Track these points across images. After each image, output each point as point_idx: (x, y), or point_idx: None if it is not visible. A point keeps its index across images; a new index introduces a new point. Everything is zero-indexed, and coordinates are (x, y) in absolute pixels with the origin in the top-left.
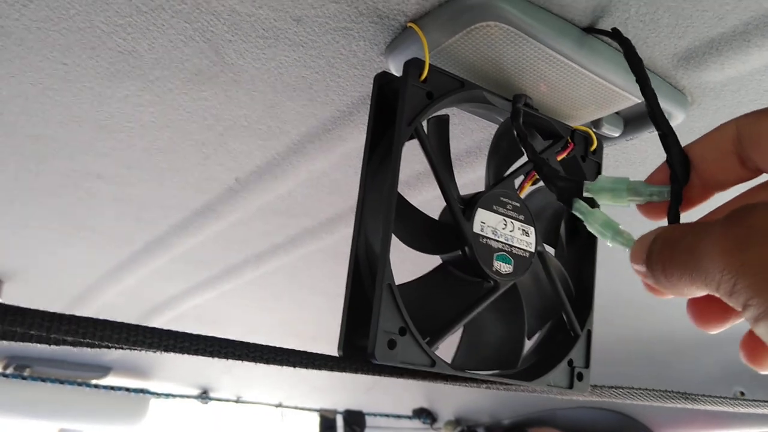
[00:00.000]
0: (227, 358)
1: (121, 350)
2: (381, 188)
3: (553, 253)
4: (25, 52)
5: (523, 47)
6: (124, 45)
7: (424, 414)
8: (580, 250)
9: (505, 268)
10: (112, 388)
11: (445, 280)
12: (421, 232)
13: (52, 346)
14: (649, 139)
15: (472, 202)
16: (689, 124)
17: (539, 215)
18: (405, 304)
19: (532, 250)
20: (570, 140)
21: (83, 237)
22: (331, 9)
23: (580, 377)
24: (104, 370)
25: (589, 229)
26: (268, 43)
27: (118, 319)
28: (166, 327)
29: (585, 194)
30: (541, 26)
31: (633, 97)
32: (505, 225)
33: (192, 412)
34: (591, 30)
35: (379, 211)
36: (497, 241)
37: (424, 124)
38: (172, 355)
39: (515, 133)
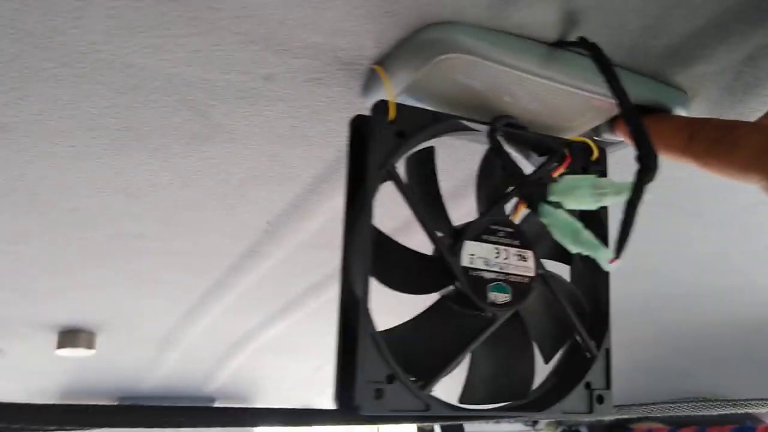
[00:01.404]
0: (201, 427)
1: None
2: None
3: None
4: (34, 142)
5: (491, 72)
6: (118, 123)
7: None
8: (592, 264)
9: (502, 297)
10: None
11: (444, 315)
12: (409, 273)
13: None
14: None
15: (459, 235)
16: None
17: (543, 235)
18: (400, 346)
19: (532, 274)
20: (568, 153)
21: (151, 289)
22: (295, 64)
23: (601, 399)
24: (209, 400)
25: (552, 232)
26: (249, 102)
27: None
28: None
29: (551, 198)
30: (503, 50)
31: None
32: (498, 253)
33: None
34: (560, 44)
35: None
36: (490, 271)
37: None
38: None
39: (491, 149)
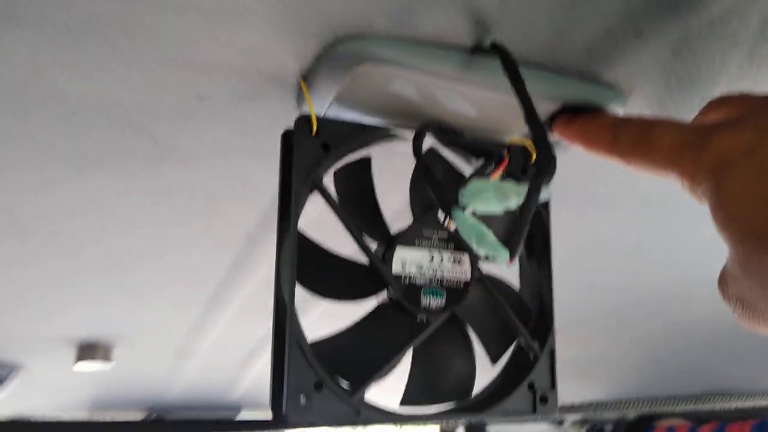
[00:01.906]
0: None
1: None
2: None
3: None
4: (3, 169)
5: (414, 80)
6: (72, 149)
7: None
8: (537, 262)
9: (436, 302)
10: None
11: (380, 321)
12: (339, 280)
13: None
14: None
15: (392, 242)
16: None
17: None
18: (334, 353)
19: (468, 278)
20: (506, 156)
21: (156, 301)
22: (224, 84)
23: (545, 399)
24: (235, 408)
25: (461, 234)
26: (191, 123)
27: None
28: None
29: (462, 202)
30: (418, 58)
31: (545, 101)
32: (432, 258)
33: None
34: (476, 50)
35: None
36: (423, 276)
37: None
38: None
39: (413, 154)
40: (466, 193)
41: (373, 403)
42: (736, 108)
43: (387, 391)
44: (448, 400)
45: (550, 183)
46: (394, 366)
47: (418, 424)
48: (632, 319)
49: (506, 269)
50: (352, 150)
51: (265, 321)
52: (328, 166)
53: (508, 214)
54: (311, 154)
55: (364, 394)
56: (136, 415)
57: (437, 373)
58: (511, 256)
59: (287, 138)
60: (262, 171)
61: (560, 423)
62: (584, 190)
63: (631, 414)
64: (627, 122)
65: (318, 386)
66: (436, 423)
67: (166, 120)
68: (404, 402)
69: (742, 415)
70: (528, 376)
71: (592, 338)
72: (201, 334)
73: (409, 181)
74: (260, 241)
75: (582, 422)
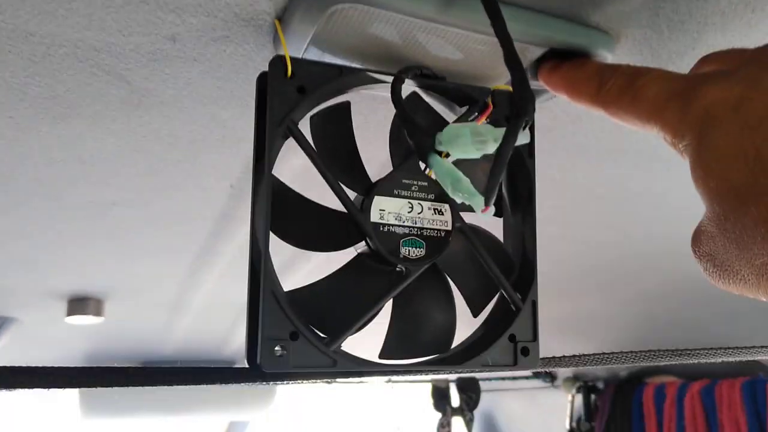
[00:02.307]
0: (117, 386)
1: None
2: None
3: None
4: None
5: (390, 22)
6: (43, 91)
7: (542, 373)
8: (521, 214)
9: (416, 252)
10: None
11: (360, 272)
12: (315, 229)
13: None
14: None
15: (370, 191)
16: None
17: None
18: (312, 303)
19: (448, 228)
20: (490, 102)
21: (146, 254)
22: (195, 23)
23: (526, 352)
24: (229, 362)
25: (438, 180)
26: (164, 65)
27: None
28: None
29: (438, 147)
30: None
31: (536, 48)
32: (412, 208)
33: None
34: None
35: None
36: (403, 226)
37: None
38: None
39: (392, 100)
40: (442, 138)
41: (349, 354)
42: (727, 61)
43: (366, 344)
44: (427, 353)
45: (528, 126)
46: (372, 317)
47: (396, 375)
48: (625, 275)
49: (482, 216)
50: (330, 94)
51: None
52: (305, 111)
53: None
54: (286, 98)
55: (341, 344)
56: None
57: (416, 324)
58: (486, 202)
59: (261, 81)
60: (241, 117)
61: (552, 380)
62: (575, 141)
63: (620, 370)
64: (614, 70)
65: (294, 336)
66: (414, 375)
67: (139, 62)
68: (383, 354)
69: (733, 372)
70: (509, 328)
71: (585, 295)
72: (193, 287)
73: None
74: (246, 191)
75: (574, 379)
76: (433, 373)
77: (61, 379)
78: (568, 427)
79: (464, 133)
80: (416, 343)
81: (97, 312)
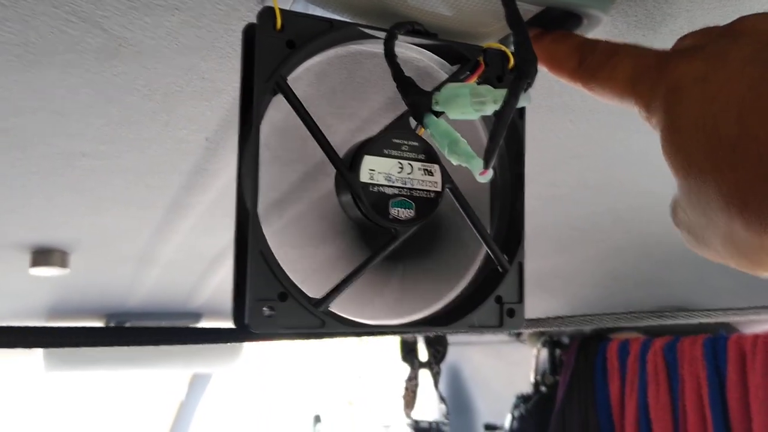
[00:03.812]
0: (104, 346)
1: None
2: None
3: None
4: None
5: None
6: (15, 38)
7: None
8: (509, 175)
9: (405, 213)
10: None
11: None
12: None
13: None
14: None
15: (360, 150)
16: (616, 24)
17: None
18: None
19: (438, 189)
20: (482, 61)
21: (113, 207)
22: None
23: (511, 313)
24: (196, 316)
25: (436, 142)
26: (143, 12)
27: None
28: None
29: (435, 108)
30: None
31: (527, 4)
32: (402, 168)
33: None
34: None
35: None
36: (392, 186)
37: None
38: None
39: (385, 57)
40: (440, 98)
41: (338, 314)
42: (700, 38)
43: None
44: (414, 313)
45: (529, 87)
46: (359, 277)
47: (383, 335)
48: (594, 233)
49: (480, 180)
50: (320, 49)
51: (228, 228)
52: (294, 66)
53: (484, 121)
54: (275, 52)
55: (329, 305)
56: (94, 323)
57: (404, 285)
58: (486, 165)
59: (249, 33)
60: (221, 69)
61: (518, 334)
62: (561, 101)
63: (588, 328)
64: (593, 47)
65: (282, 296)
66: (401, 335)
67: (118, 9)
68: (368, 315)
69: (695, 329)
70: (496, 290)
71: (553, 252)
72: (162, 240)
73: (378, 86)
74: (222, 144)
75: (539, 334)
76: (420, 334)
77: (25, 339)
78: (532, 380)
79: (463, 93)
80: (403, 303)
81: (62, 264)
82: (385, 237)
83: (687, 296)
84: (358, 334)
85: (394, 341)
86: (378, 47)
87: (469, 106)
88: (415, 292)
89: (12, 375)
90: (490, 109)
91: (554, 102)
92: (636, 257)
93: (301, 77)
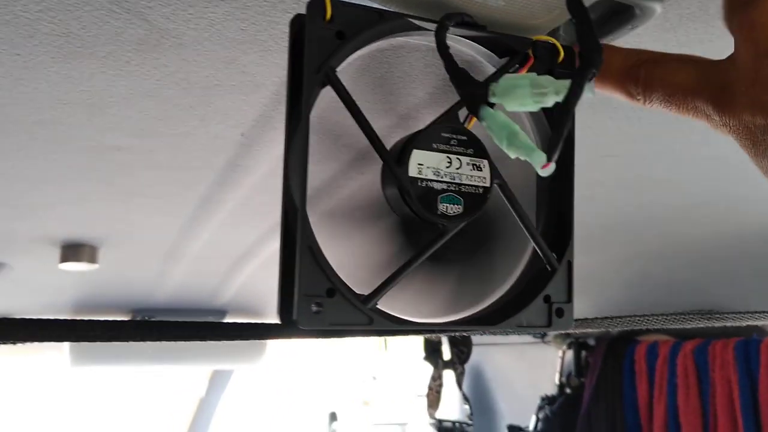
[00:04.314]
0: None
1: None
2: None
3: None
4: None
5: None
6: (57, 29)
7: None
8: (558, 172)
9: (453, 209)
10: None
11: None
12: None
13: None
14: (636, 38)
15: (408, 144)
16: (669, 17)
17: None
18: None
19: (487, 184)
20: (531, 54)
21: (143, 203)
22: None
23: (560, 313)
24: (220, 313)
25: (491, 135)
26: (187, 4)
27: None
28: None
29: (492, 99)
30: None
31: None
32: (450, 163)
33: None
34: None
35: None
36: (441, 181)
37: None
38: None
39: (437, 47)
40: (497, 89)
41: (385, 312)
42: None
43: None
44: (461, 312)
45: (594, 78)
46: (407, 274)
47: (430, 333)
48: (624, 233)
49: (542, 174)
50: (369, 40)
51: (257, 225)
52: (343, 57)
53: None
54: (325, 43)
55: (377, 302)
56: (120, 318)
57: (449, 283)
58: (549, 158)
59: (297, 24)
60: (262, 63)
61: (543, 335)
62: (602, 97)
63: (629, 329)
64: (641, 56)
65: (330, 292)
66: (449, 334)
67: (161, 0)
68: (415, 313)
69: (727, 332)
70: (544, 289)
71: (580, 252)
72: (190, 236)
73: (418, 81)
74: (257, 141)
75: (565, 336)
76: (469, 333)
77: (54, 332)
78: (557, 382)
79: (523, 84)
80: (451, 301)
81: (92, 259)
82: (431, 233)
83: (717, 299)
84: (406, 333)
85: (411, 342)
86: (422, 40)
87: (528, 97)
88: (460, 290)
89: (36, 370)
90: (551, 101)
91: (596, 99)
92: (666, 259)
93: (344, 71)
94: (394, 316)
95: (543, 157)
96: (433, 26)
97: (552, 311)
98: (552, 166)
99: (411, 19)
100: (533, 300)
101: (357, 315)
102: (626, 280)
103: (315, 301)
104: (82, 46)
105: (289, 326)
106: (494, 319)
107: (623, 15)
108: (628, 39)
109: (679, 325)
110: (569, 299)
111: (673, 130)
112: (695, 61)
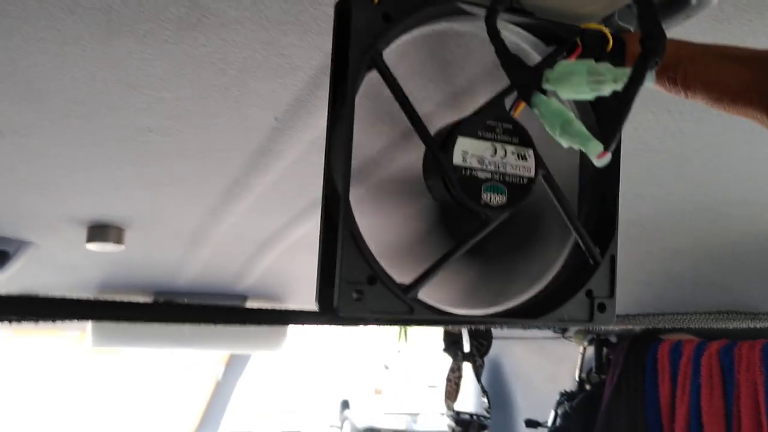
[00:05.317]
0: (193, 323)
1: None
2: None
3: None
4: (16, 24)
5: None
6: (96, 3)
7: None
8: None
9: (497, 199)
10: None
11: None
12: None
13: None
14: (687, 28)
15: (453, 131)
16: (724, 7)
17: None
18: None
19: (532, 175)
20: (579, 42)
21: (172, 185)
22: None
23: (602, 308)
24: (241, 298)
25: (544, 123)
26: None
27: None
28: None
29: (545, 86)
30: None
31: None
32: (495, 151)
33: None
34: None
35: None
36: (485, 170)
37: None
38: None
39: (488, 33)
40: (552, 75)
41: (425, 302)
42: None
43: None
44: (501, 304)
45: (657, 66)
46: (449, 265)
47: (470, 324)
48: (654, 231)
49: (598, 163)
50: (416, 24)
51: (283, 211)
52: (389, 40)
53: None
54: (371, 26)
55: (418, 291)
56: (143, 299)
57: (490, 274)
58: (606, 148)
59: (342, 5)
60: (301, 44)
61: (563, 330)
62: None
63: (638, 328)
64: (690, 48)
65: (371, 280)
66: (491, 326)
67: None
68: (455, 303)
69: (753, 333)
70: (587, 283)
71: None
72: (216, 221)
73: (459, 67)
74: (290, 126)
75: (586, 332)
76: (508, 326)
77: (78, 311)
78: (577, 378)
79: (580, 70)
80: (489, 293)
81: (118, 240)
82: (472, 222)
83: (745, 299)
84: (445, 323)
85: (430, 332)
86: (466, 26)
87: (585, 84)
88: (501, 282)
89: (53, 350)
90: (608, 89)
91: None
92: (695, 258)
93: (390, 53)
94: (434, 306)
95: (600, 146)
96: (481, 11)
97: (594, 306)
98: (608, 156)
99: (460, 4)
100: (575, 294)
101: (398, 303)
102: (653, 278)
103: (356, 288)
104: (122, 23)
105: (330, 314)
106: (535, 312)
107: (680, 4)
108: (680, 29)
109: (715, 325)
110: (612, 294)
111: (715, 126)
112: (743, 61)
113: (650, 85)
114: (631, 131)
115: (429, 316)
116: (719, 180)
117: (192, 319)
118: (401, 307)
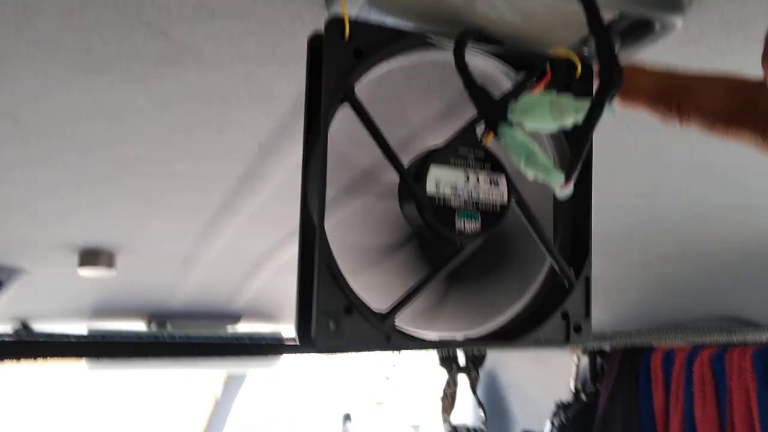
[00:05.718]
0: (162, 357)
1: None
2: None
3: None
4: (0, 61)
5: None
6: (78, 43)
7: None
8: (575, 189)
9: (471, 226)
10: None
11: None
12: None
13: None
14: (655, 52)
15: (426, 160)
16: (689, 30)
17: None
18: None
19: (504, 201)
20: (549, 69)
21: (162, 210)
22: None
23: (578, 329)
24: (236, 317)
25: (511, 154)
26: (208, 20)
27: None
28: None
29: (511, 117)
30: None
31: (608, 11)
32: (468, 179)
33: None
34: None
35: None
36: (458, 198)
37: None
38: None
39: (455, 63)
40: (516, 108)
41: (402, 330)
42: None
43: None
44: (478, 327)
45: (614, 98)
46: (424, 291)
47: (447, 348)
48: (642, 240)
49: (560, 194)
50: (386, 57)
51: (273, 232)
52: (360, 74)
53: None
54: (342, 61)
55: (394, 319)
56: (136, 322)
57: (466, 299)
58: (567, 179)
59: (315, 42)
60: (281, 77)
61: None
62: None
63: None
64: (671, 75)
65: (348, 310)
66: (466, 349)
67: (181, 16)
68: (432, 328)
69: (744, 340)
70: (562, 305)
71: (596, 259)
72: (207, 243)
73: (435, 95)
74: (274, 151)
75: None
76: (485, 349)
77: (70, 351)
78: (572, 388)
79: (542, 103)
80: (468, 317)
81: (109, 264)
82: (448, 249)
83: (736, 306)
84: (423, 348)
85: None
86: (440, 55)
87: (548, 116)
88: (477, 306)
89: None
90: (570, 120)
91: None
92: (684, 265)
93: (361, 84)
94: (410, 334)
95: (561, 177)
96: (450, 44)
97: (570, 327)
98: (570, 188)
99: (429, 37)
100: (551, 316)
101: (374, 333)
102: (643, 286)
103: (333, 318)
104: (103, 61)
105: (308, 344)
106: (512, 335)
107: (644, 29)
108: (648, 52)
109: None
110: (587, 314)
111: (692, 139)
112: (736, 87)
113: (610, 115)
114: (609, 149)
115: (406, 344)
116: (700, 192)
117: (179, 354)
118: (378, 336)
